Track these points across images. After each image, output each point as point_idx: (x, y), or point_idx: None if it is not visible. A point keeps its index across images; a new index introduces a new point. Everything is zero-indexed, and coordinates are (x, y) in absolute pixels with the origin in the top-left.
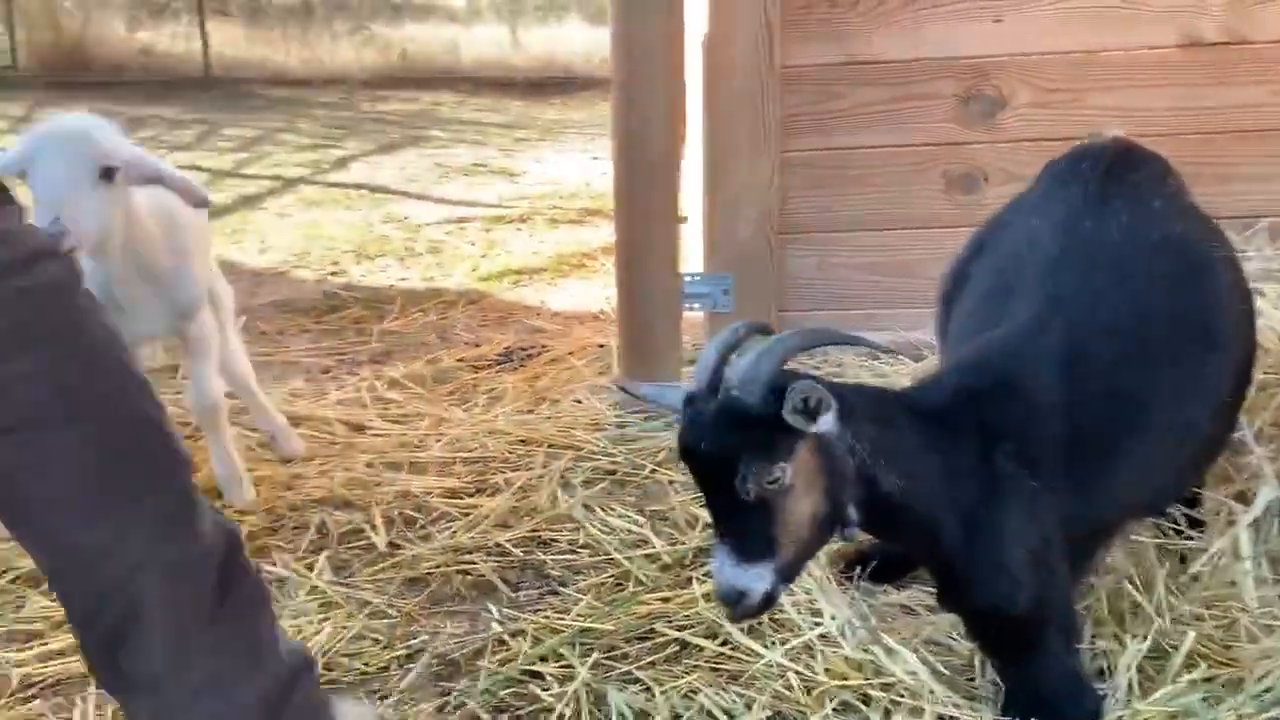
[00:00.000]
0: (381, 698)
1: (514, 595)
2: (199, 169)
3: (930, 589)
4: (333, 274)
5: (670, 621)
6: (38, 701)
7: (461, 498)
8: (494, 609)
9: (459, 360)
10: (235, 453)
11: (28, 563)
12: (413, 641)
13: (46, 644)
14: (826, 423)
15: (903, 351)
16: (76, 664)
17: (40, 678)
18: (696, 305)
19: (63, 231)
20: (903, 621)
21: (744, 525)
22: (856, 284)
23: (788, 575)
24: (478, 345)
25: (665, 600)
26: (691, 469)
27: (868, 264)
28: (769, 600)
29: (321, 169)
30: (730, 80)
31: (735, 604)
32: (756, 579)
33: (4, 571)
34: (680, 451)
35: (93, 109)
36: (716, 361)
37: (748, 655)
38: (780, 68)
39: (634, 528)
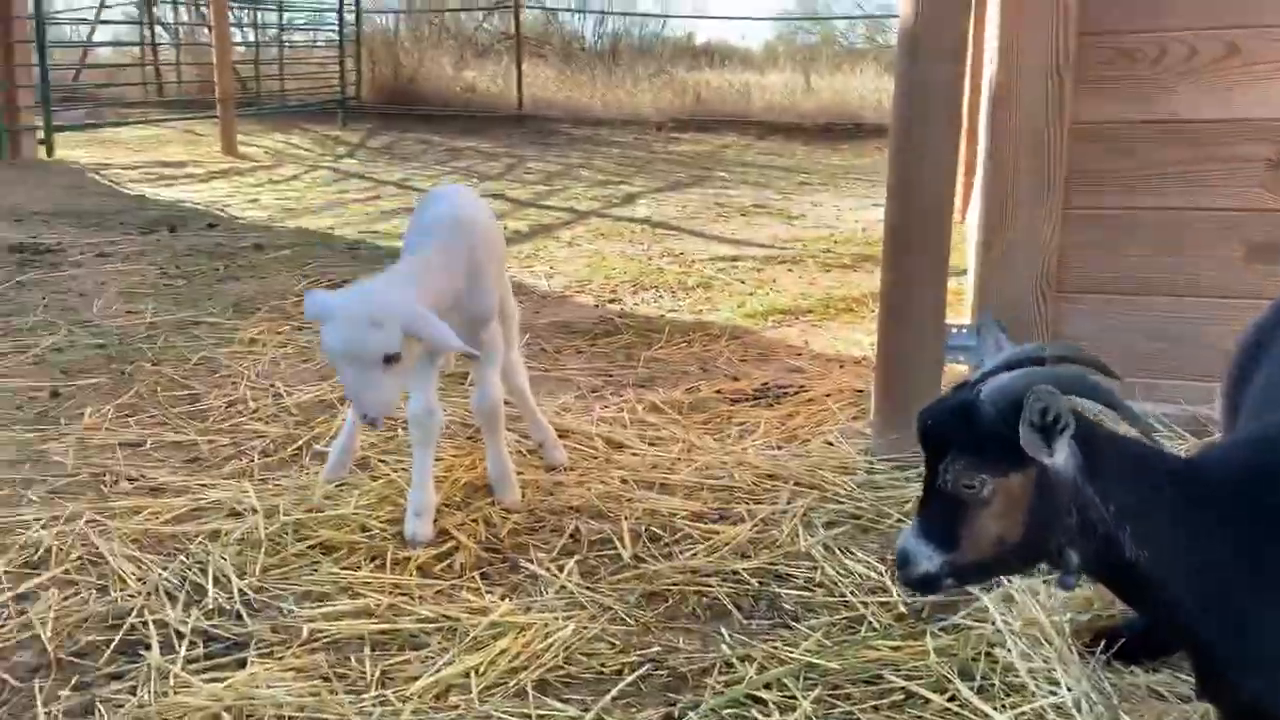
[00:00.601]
0: (613, 700)
1: (745, 622)
2: (505, 198)
3: (1187, 676)
4: (610, 301)
5: (899, 670)
6: (320, 655)
7: (704, 522)
8: (725, 632)
9: (716, 391)
10: (508, 456)
11: (325, 531)
12: (646, 651)
13: (335, 606)
14: (1060, 460)
15: (1184, 426)
16: (359, 625)
17: (324, 634)
18: (961, 358)
19: (366, 419)
20: (1148, 705)
21: (936, 509)
22: (1138, 350)
23: (960, 575)
24: (736, 379)
25: (896, 649)
26: (919, 440)
27: (1152, 330)
28: (927, 581)
29: (611, 203)
30: (1015, 131)
31: (901, 566)
32: (925, 557)
33: (303, 539)
34: (917, 420)
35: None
36: (1000, 365)
37: (975, 715)
38: (1070, 121)
39: (872, 574)
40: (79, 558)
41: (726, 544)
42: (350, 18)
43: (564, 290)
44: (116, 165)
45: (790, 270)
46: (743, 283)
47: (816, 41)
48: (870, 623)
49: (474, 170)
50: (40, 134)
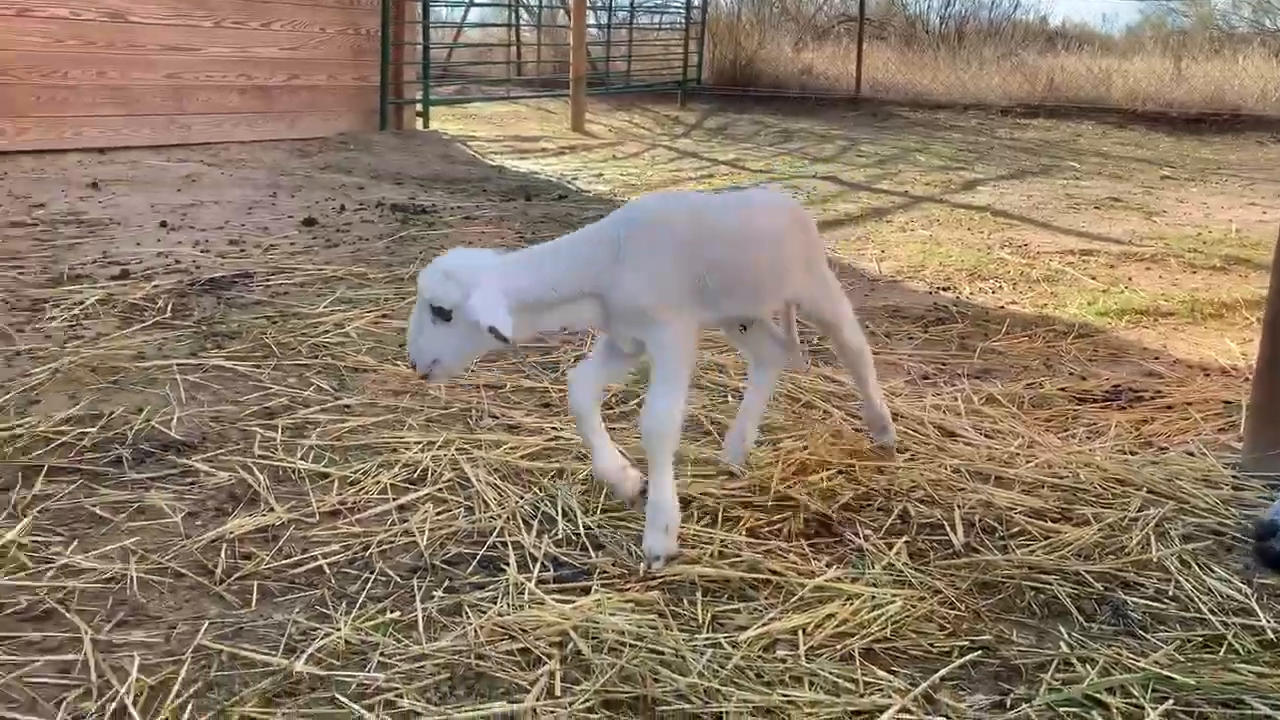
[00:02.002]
0: (941, 679)
1: (1086, 625)
2: (837, 180)
3: None
4: (944, 289)
5: (1265, 699)
6: (655, 593)
7: (1045, 520)
8: (1064, 631)
9: (1061, 390)
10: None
11: None
12: (977, 638)
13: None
14: None
15: None
16: (691, 570)
17: (659, 575)
18: None
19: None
20: None
21: None
22: None
23: None
24: (1083, 379)
25: (1262, 676)
26: None
27: None
28: None
29: (949, 189)
30: None
31: (1264, 538)
32: None
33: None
34: None
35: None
36: None
37: None
38: None
39: (1236, 595)
40: (450, 479)
41: (1068, 544)
42: (697, 1)
43: (895, 275)
44: (480, 138)
45: (1149, 269)
46: (1093, 279)
47: (1191, 24)
48: (1231, 645)
49: (806, 152)
50: (419, 107)
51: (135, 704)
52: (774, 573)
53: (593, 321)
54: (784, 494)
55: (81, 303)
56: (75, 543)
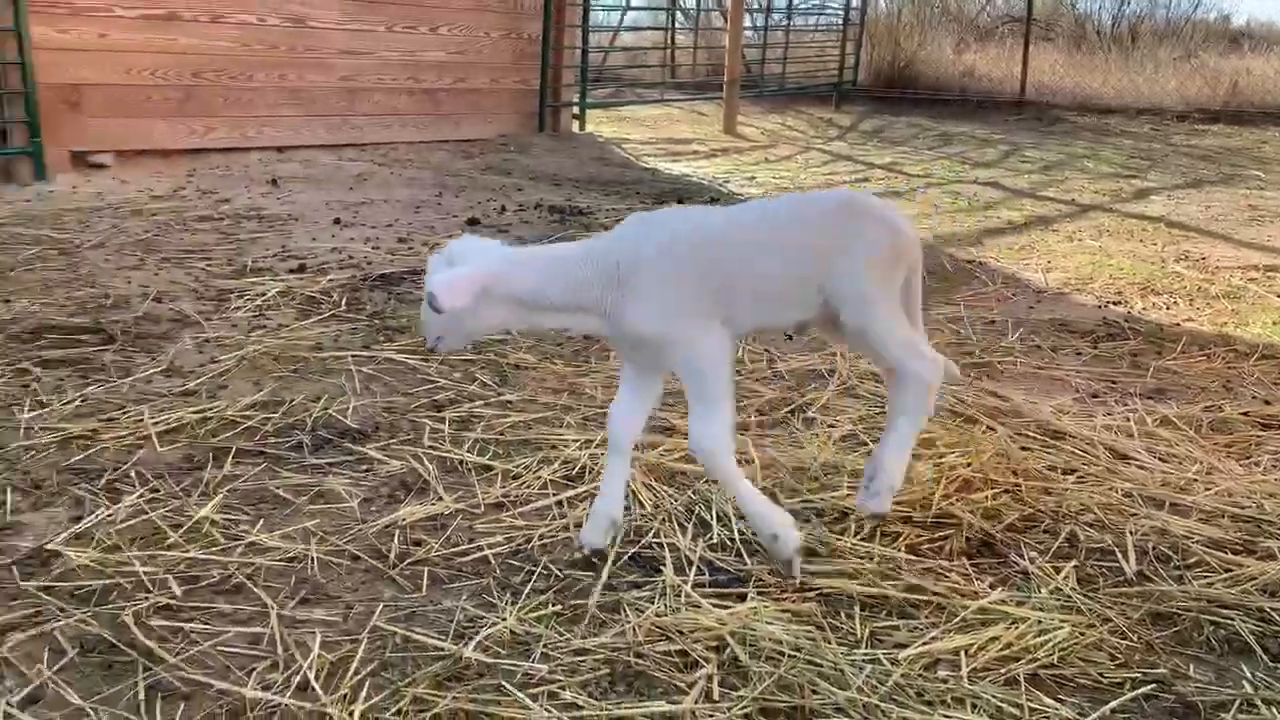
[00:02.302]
0: (1112, 710)
1: (1272, 665)
2: (999, 186)
3: None
4: (1114, 303)
5: None
6: (812, 604)
7: (1225, 551)
8: (1247, 669)
9: (1243, 414)
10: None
11: (814, 495)
12: (1151, 671)
13: (823, 565)
14: None
15: None
16: (848, 584)
17: (816, 586)
18: None
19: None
20: None
21: None
22: None
23: None
24: (1268, 403)
25: None
26: None
27: None
28: None
29: (1120, 198)
30: None
31: None
32: None
33: (793, 496)
34: None
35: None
36: None
37: None
38: None
39: None
40: None
41: (1252, 578)
42: (855, 2)
43: (1062, 287)
44: (634, 140)
45: None
46: None
47: None
48: None
49: (966, 157)
50: (575, 110)
51: (317, 678)
52: (934, 593)
53: (597, 333)
54: (945, 511)
55: (263, 294)
56: (261, 522)
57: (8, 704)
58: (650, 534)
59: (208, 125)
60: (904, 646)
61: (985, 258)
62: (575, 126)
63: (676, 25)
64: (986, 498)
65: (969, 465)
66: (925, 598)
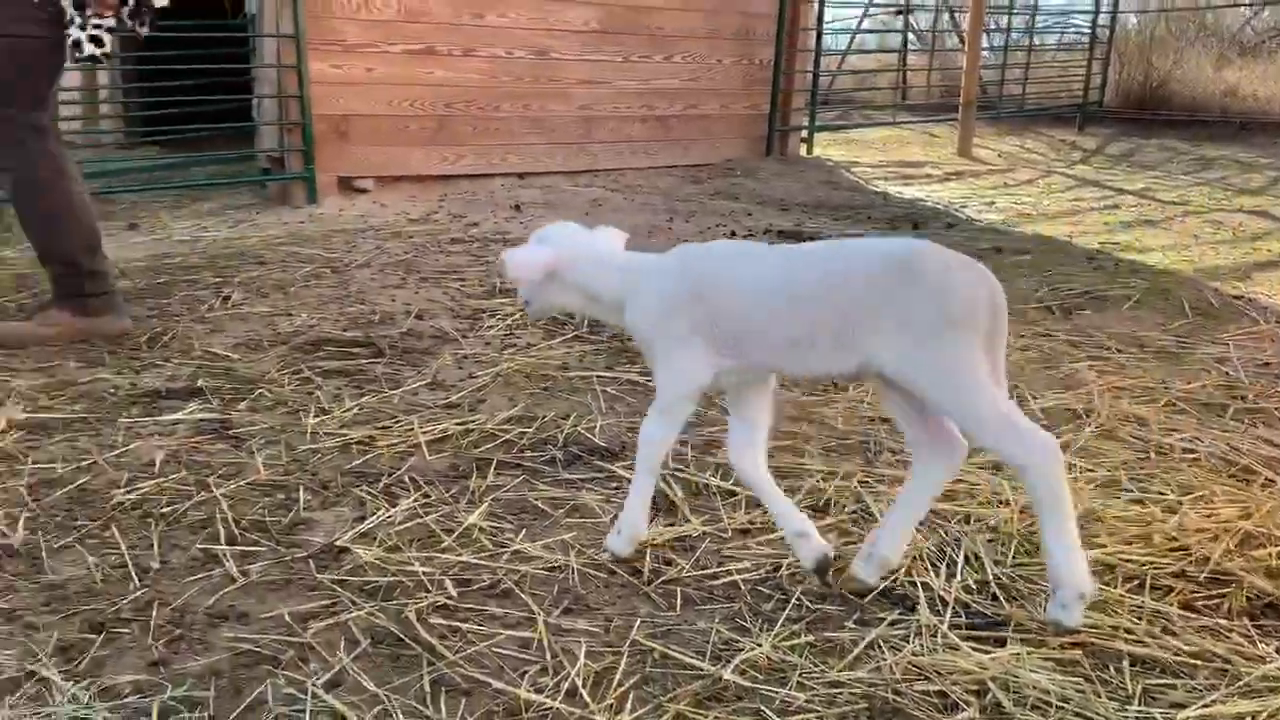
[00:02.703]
0: None
1: None
2: (1268, 216)
3: None
4: None
5: None
6: (1078, 653)
7: None
8: None
9: None
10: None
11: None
12: None
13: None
14: None
15: None
16: (1114, 643)
17: (1080, 635)
18: None
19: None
20: None
21: None
22: None
23: None
24: None
25: None
26: None
27: None
28: None
29: None
30: None
31: None
32: None
33: None
34: None
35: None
36: None
37: None
38: None
39: None
40: (853, 511)
41: None
42: (1103, 19)
43: None
44: (863, 164)
45: None
46: None
47: None
48: None
49: (1228, 183)
50: (803, 133)
51: (584, 686)
52: (1212, 653)
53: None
54: (1223, 568)
55: (512, 314)
56: (523, 531)
57: (314, 685)
58: (902, 571)
59: (458, 153)
60: (1182, 707)
61: (1255, 293)
62: (803, 150)
63: (909, 47)
64: (1270, 555)
65: (1247, 519)
66: (1203, 659)
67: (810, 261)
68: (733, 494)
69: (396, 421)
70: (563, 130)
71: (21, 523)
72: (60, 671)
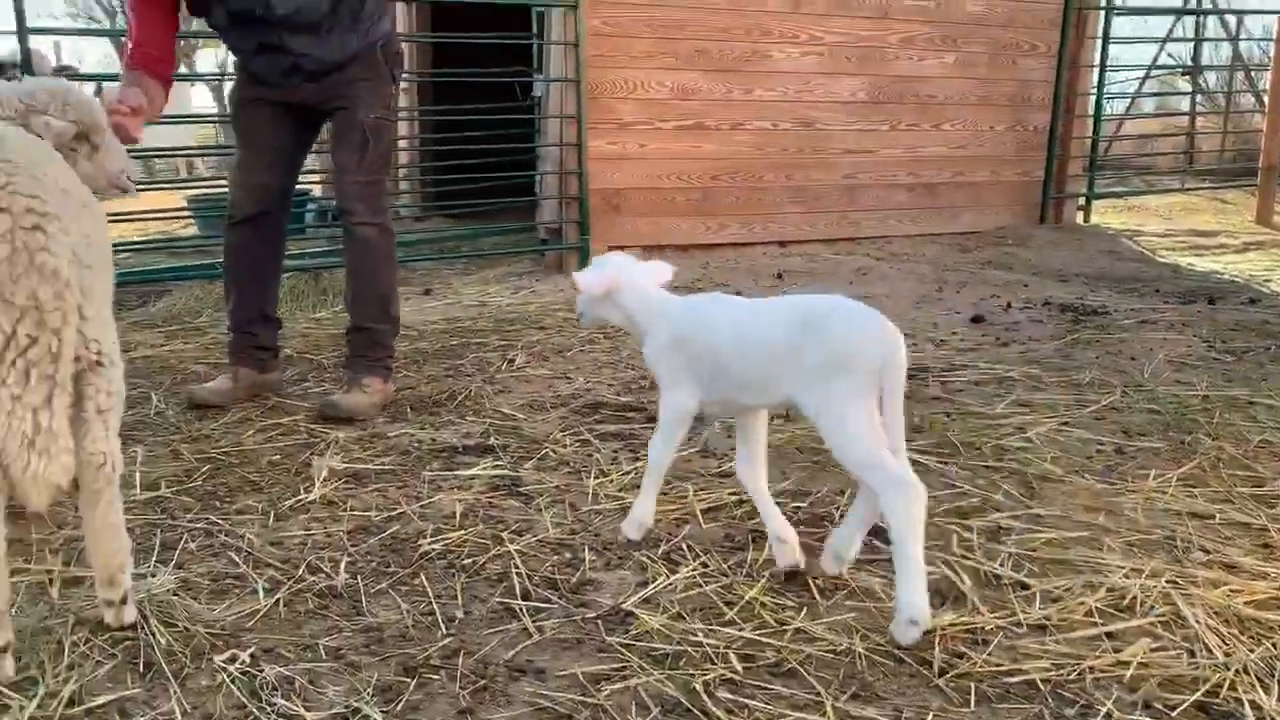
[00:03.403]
0: None
1: None
2: None
3: None
4: None
5: None
6: None
7: None
8: None
9: None
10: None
11: None
12: None
13: None
14: None
15: None
16: None
17: None
18: None
19: None
20: None
21: None
22: None
23: None
24: None
25: None
26: None
27: None
28: None
29: None
30: None
31: None
32: None
33: None
34: None
35: None
36: None
37: None
38: None
39: None
40: (1163, 614)
41: None
42: None
43: None
44: (1147, 232)
45: None
46: None
47: None
48: None
49: None
50: (1080, 200)
51: None
52: None
53: None
54: None
55: None
56: (804, 609)
57: None
58: (1225, 687)
59: (721, 223)
60: None
61: None
62: (1080, 218)
63: (1197, 109)
64: None
65: None
66: None
67: (757, 315)
68: (1025, 586)
69: (671, 487)
70: (826, 199)
71: (343, 566)
72: (381, 711)
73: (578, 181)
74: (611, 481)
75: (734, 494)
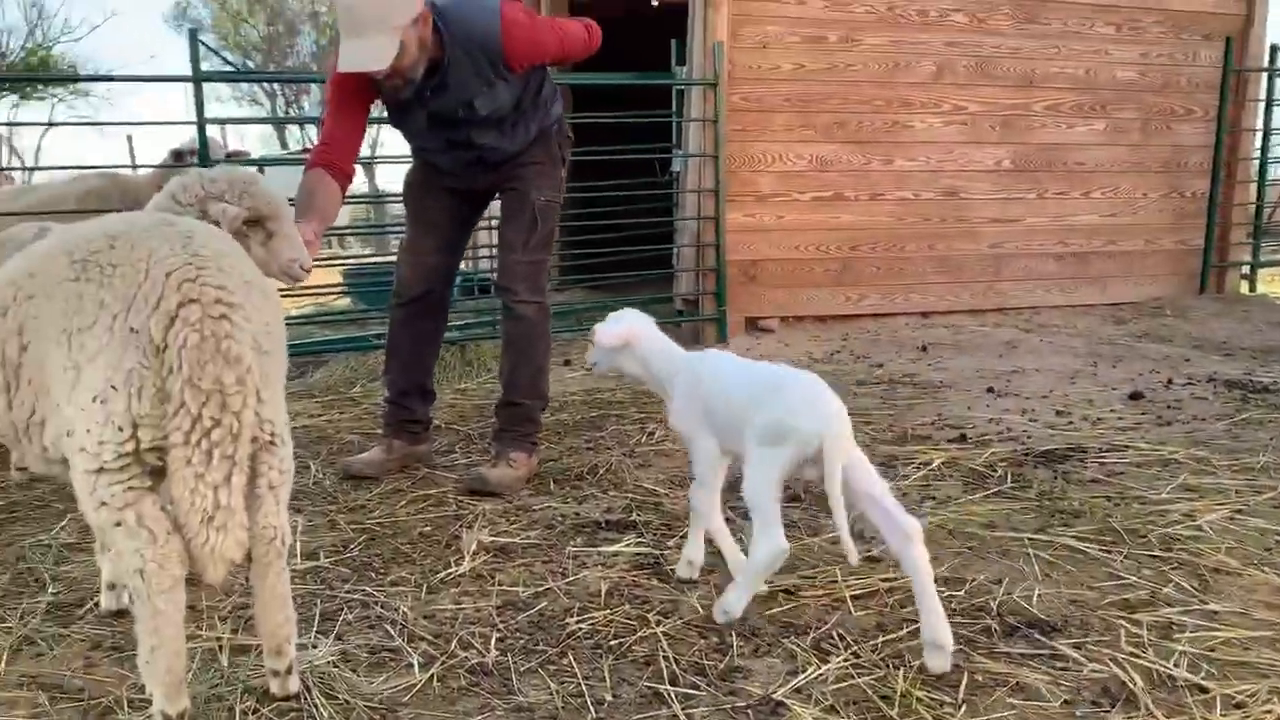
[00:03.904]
0: None
1: None
2: None
3: None
4: None
5: None
6: None
7: None
8: None
9: None
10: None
11: None
12: None
13: None
14: None
15: None
16: None
17: None
18: None
19: None
20: None
21: None
22: None
23: None
24: None
25: None
26: None
27: None
28: None
29: None
30: None
31: None
32: None
33: None
34: None
35: None
36: None
37: None
38: None
39: None
40: None
41: None
42: None
43: None
44: None
45: None
46: None
47: None
48: None
49: None
50: (1245, 269)
51: None
52: None
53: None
54: None
55: (928, 463)
56: (964, 706)
57: None
58: None
59: (861, 293)
60: None
61: None
62: (1244, 288)
63: None
64: None
65: None
66: None
67: (739, 376)
68: (1203, 690)
69: (819, 571)
70: (970, 269)
71: (493, 643)
72: None
73: (715, 253)
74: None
75: (886, 579)
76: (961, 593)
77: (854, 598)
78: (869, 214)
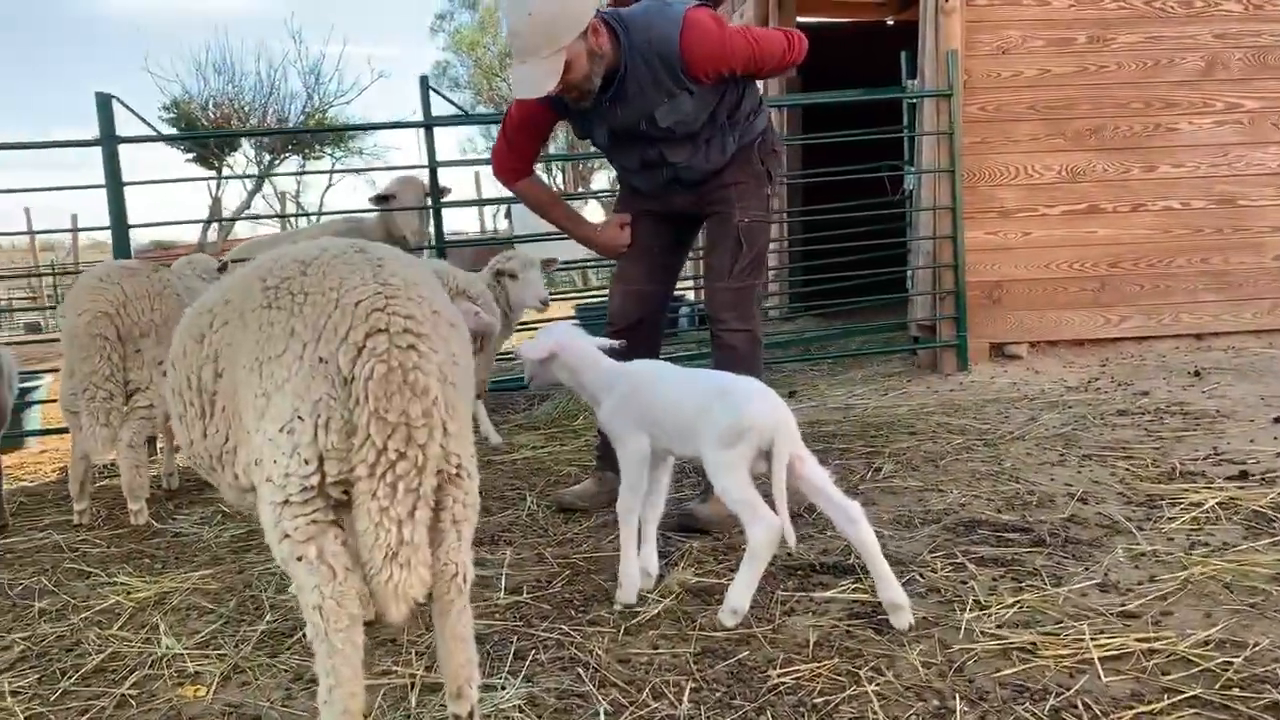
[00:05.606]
0: None
1: None
2: None
3: None
4: None
5: None
6: None
7: None
8: None
9: None
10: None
11: None
12: None
13: None
14: None
15: None
16: None
17: None
18: None
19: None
20: None
21: None
22: None
23: None
24: None
25: None
26: None
27: None
28: None
29: None
30: None
31: None
32: None
33: None
34: None
35: None
36: None
37: None
38: None
39: None
40: None
41: None
42: None
43: None
44: None
45: None
46: None
47: None
48: None
49: None
50: None
51: None
52: None
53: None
54: None
55: (1200, 504)
56: None
57: None
58: None
59: (1121, 314)
60: None
61: None
62: None
63: None
64: None
65: None
66: None
67: (682, 383)
68: None
69: (1062, 627)
70: (1252, 285)
71: (687, 694)
72: None
73: (953, 275)
74: (990, 615)
75: (1142, 638)
76: (1239, 659)
77: (1104, 659)
78: (1129, 227)
